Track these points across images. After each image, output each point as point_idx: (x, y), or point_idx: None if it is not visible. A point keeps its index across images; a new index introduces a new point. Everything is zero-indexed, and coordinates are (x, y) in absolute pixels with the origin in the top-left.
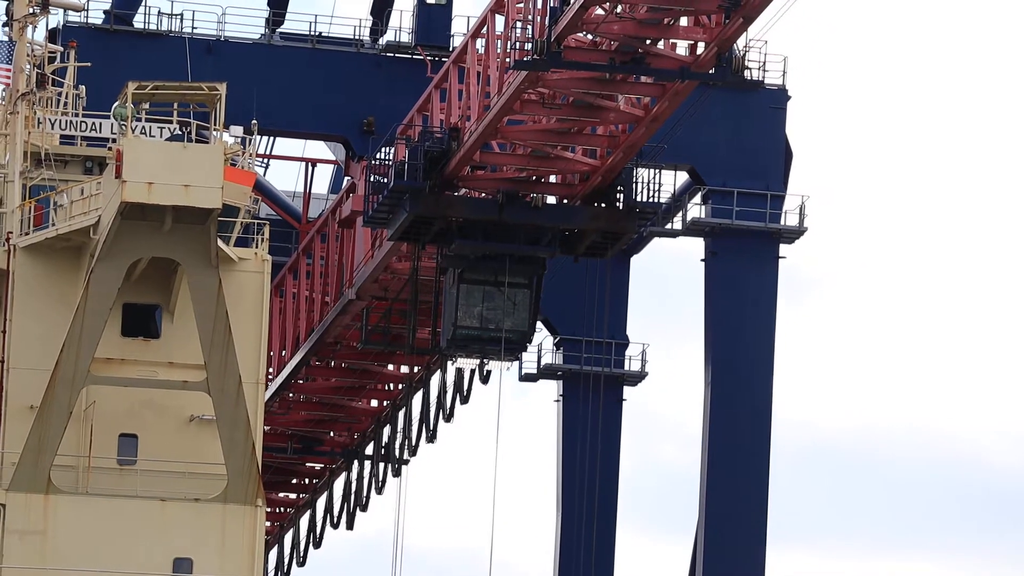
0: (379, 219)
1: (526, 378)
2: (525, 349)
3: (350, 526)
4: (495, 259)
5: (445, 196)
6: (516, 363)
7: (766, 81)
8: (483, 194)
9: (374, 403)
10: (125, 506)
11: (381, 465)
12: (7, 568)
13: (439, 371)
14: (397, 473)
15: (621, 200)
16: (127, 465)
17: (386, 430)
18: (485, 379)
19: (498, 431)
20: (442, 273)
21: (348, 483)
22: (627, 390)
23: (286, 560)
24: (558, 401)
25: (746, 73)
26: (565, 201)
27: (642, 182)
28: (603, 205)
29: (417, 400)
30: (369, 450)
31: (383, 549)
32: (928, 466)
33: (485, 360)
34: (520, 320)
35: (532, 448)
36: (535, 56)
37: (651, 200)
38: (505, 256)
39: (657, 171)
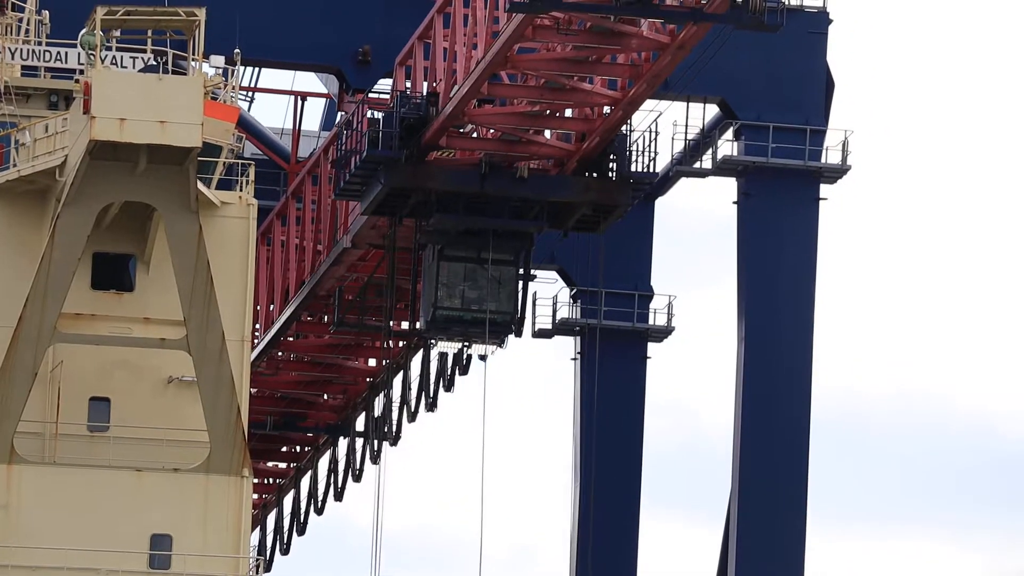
0: (351, 191)
1: (540, 334)
2: (512, 332)
3: (339, 498)
4: (478, 234)
5: (423, 166)
6: (502, 347)
7: (805, 2)
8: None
9: (371, 362)
10: (97, 477)
11: (375, 435)
12: None
13: (423, 351)
14: (394, 443)
15: (614, 170)
16: (98, 432)
17: (378, 400)
18: (465, 370)
19: (484, 422)
20: (421, 250)
21: (334, 460)
22: (652, 347)
23: (284, 533)
24: (575, 360)
25: (767, 16)
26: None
27: (636, 151)
28: (594, 175)
29: (415, 365)
30: (359, 423)
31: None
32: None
33: (468, 344)
34: (506, 300)
35: (546, 412)
36: None
37: (646, 171)
38: (488, 231)
39: (653, 134)
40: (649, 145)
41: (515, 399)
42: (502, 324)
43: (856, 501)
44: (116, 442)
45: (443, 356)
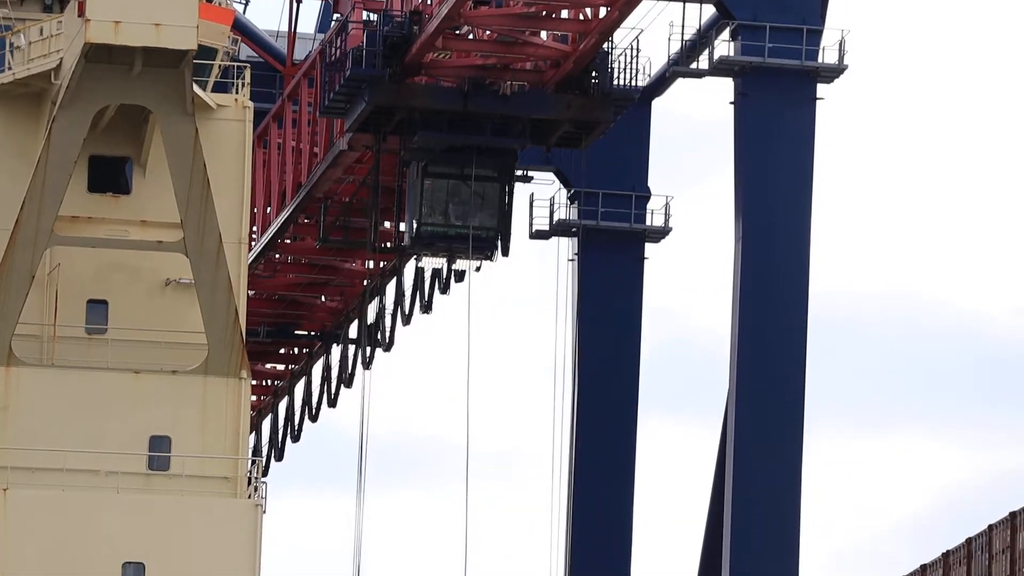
0: (336, 109)
1: (537, 235)
2: (496, 248)
3: (332, 404)
4: (461, 151)
5: (406, 85)
6: (487, 262)
7: None
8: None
9: (369, 264)
10: (95, 379)
11: (368, 341)
12: None
13: (407, 265)
14: (387, 349)
15: (595, 87)
16: (96, 334)
17: (372, 306)
18: (444, 288)
19: (469, 337)
20: (405, 166)
21: (327, 367)
22: (649, 247)
23: (279, 435)
24: (572, 260)
25: None
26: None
27: (618, 67)
28: (576, 92)
29: (408, 272)
30: (352, 330)
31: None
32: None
33: (452, 259)
34: (489, 216)
35: (546, 313)
36: None
37: (628, 86)
38: (472, 148)
39: (636, 55)
40: (630, 62)
41: (513, 301)
42: (486, 240)
43: (847, 399)
44: (114, 344)
45: (436, 271)
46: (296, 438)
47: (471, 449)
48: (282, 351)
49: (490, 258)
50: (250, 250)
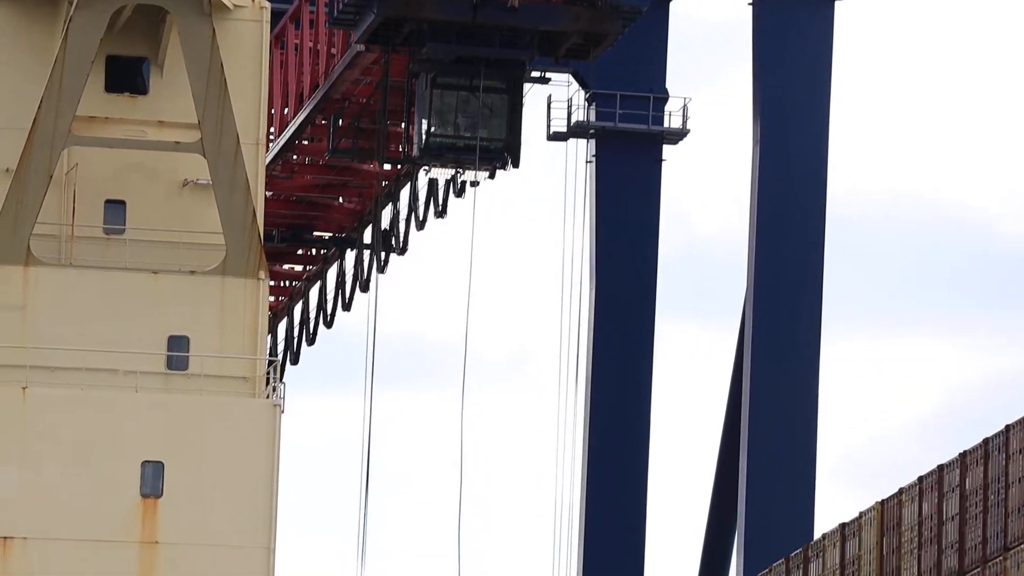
0: (345, 20)
1: (555, 137)
2: (504, 160)
3: (347, 308)
4: (470, 63)
5: None
6: (504, 169)
7: None
8: None
9: (387, 166)
10: (113, 279)
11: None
12: None
13: (411, 182)
14: (401, 252)
15: (603, 0)
16: (114, 234)
17: (386, 211)
18: (459, 192)
19: (472, 249)
20: (414, 78)
21: (341, 271)
22: (667, 149)
23: (295, 339)
24: (590, 162)
25: None
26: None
27: None
28: (584, 4)
29: (423, 178)
30: (367, 236)
31: (392, 329)
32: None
33: (459, 170)
34: (497, 128)
35: (563, 217)
36: None
37: None
38: (480, 60)
39: None
40: None
41: (529, 203)
42: (494, 151)
43: (862, 300)
44: (132, 244)
45: (451, 177)
46: (312, 341)
47: (481, 352)
48: (299, 252)
49: (503, 167)
50: (267, 151)
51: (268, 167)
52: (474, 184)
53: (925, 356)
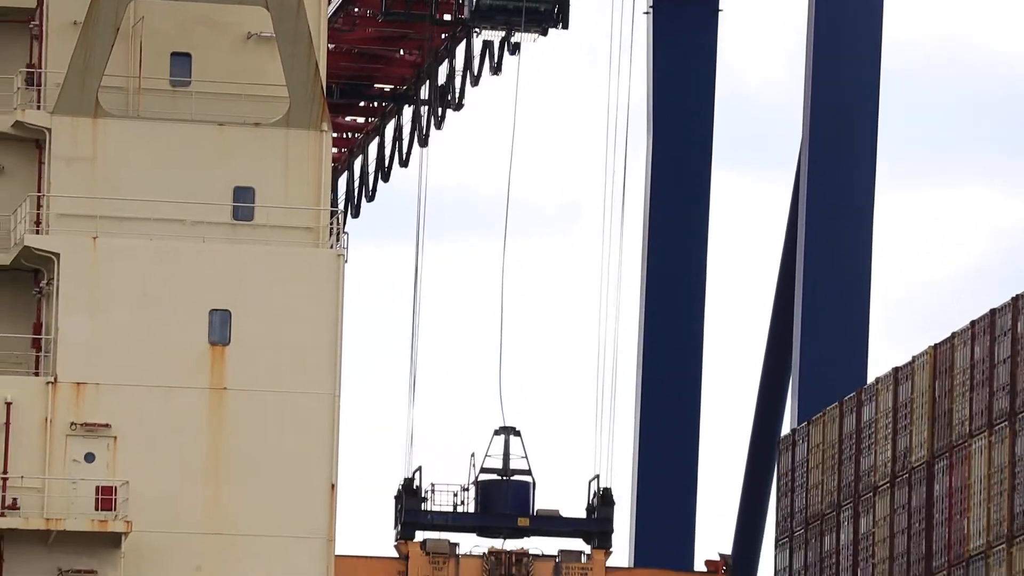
0: None
1: None
2: (554, 20)
3: (404, 164)
4: None
5: None
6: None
7: None
8: None
9: (447, 16)
10: (180, 131)
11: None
12: (55, 197)
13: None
14: (457, 108)
15: None
16: (180, 87)
17: (443, 68)
18: (514, 49)
19: (515, 114)
20: None
21: (398, 127)
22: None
23: (355, 192)
24: (647, 13)
25: None
26: None
27: None
28: None
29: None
30: (424, 92)
31: (448, 183)
32: None
33: (511, 32)
34: None
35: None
36: None
37: None
38: None
39: None
40: None
41: (586, 60)
42: (544, 12)
43: (912, 148)
44: (198, 97)
45: (503, 39)
46: (371, 197)
47: (532, 203)
48: (361, 104)
49: (556, 26)
50: (329, 4)
51: (330, 20)
52: (513, 51)
53: (976, 203)
